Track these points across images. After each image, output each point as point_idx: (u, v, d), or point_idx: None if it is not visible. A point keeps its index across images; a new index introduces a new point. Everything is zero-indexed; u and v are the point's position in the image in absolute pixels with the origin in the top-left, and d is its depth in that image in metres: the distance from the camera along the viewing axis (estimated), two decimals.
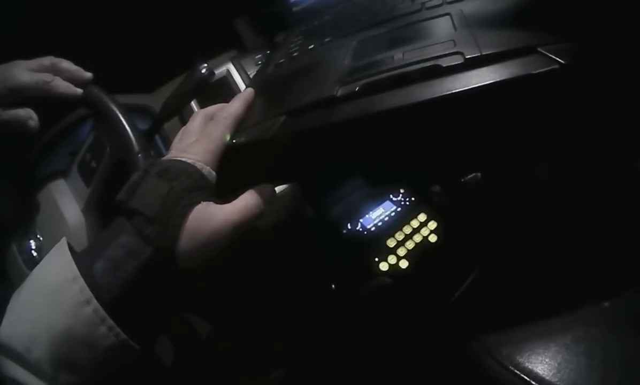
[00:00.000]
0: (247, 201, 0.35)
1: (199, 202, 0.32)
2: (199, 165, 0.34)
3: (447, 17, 0.41)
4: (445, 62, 0.32)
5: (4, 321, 0.29)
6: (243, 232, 0.34)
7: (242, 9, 0.75)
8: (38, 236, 0.59)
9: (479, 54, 0.31)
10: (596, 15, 0.33)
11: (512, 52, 0.31)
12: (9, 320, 0.29)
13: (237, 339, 0.62)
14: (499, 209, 0.55)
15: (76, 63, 0.55)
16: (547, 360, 0.47)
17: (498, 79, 0.29)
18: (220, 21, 0.77)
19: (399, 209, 0.59)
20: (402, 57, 0.35)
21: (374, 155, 0.36)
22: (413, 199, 0.60)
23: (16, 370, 0.27)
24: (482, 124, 0.32)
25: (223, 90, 0.62)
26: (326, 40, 0.48)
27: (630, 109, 0.33)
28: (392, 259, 0.55)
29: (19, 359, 0.27)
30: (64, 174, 0.61)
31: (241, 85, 0.62)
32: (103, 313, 0.28)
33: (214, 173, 0.35)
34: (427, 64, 0.32)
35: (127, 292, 0.29)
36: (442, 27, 0.39)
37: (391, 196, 0.61)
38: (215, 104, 0.42)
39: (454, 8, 0.42)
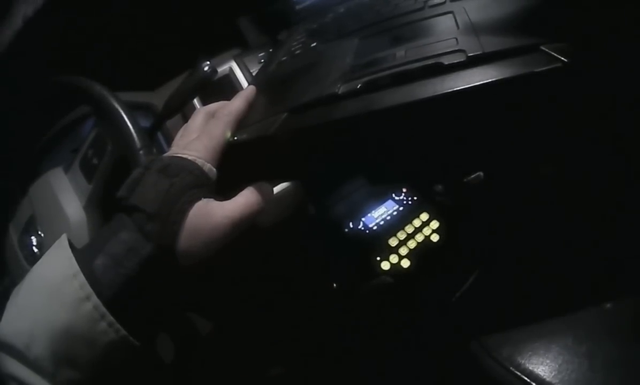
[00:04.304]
0: (247, 198, 0.35)
1: (199, 199, 0.33)
2: (199, 162, 0.34)
3: (450, 15, 0.41)
4: (447, 60, 0.32)
5: (4, 318, 0.29)
6: (243, 230, 0.34)
7: (245, 7, 0.75)
8: (39, 232, 0.59)
9: (481, 52, 0.31)
10: (599, 14, 0.33)
11: (515, 50, 0.31)
12: (9, 317, 0.29)
13: (237, 338, 0.62)
14: (501, 209, 0.55)
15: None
16: (548, 361, 0.46)
17: (500, 77, 0.29)
18: (223, 19, 0.77)
19: (401, 208, 0.59)
20: (404, 54, 0.35)
21: (375, 153, 0.36)
22: (415, 198, 0.60)
23: (16, 367, 0.27)
24: (484, 122, 0.32)
25: (226, 88, 0.62)
26: (329, 38, 0.48)
27: (632, 107, 0.33)
28: (393, 258, 0.55)
29: (19, 355, 0.27)
30: (65, 170, 0.61)
31: (244, 83, 0.62)
32: (103, 309, 0.28)
33: (214, 170, 0.35)
34: (429, 61, 0.32)
35: (127, 289, 0.29)
36: (444, 25, 0.39)
37: (393, 195, 0.61)
38: (217, 101, 0.42)
39: (456, 6, 0.42)
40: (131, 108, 0.50)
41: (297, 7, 0.64)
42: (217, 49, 0.72)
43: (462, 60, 0.31)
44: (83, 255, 0.30)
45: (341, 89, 0.34)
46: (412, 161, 0.38)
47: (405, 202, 0.60)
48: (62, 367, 0.27)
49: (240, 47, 0.71)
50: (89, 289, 0.28)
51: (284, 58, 0.49)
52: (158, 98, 0.66)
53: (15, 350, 0.27)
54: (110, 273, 0.29)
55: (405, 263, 0.55)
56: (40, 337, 0.27)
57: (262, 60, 0.64)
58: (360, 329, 0.57)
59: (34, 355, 0.27)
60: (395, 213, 0.59)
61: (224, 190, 0.35)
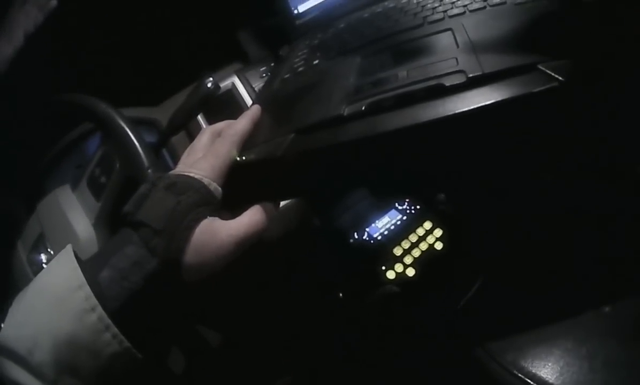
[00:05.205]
0: (250, 218, 0.35)
1: (205, 218, 0.33)
2: (205, 181, 0.34)
3: (449, 32, 0.41)
4: (448, 81, 0.32)
5: (6, 323, 0.29)
6: (248, 248, 0.34)
7: (245, 20, 0.76)
8: (49, 250, 0.60)
9: (480, 73, 0.32)
10: (595, 32, 0.34)
11: (512, 70, 0.31)
12: (12, 322, 0.29)
13: (245, 348, 0.63)
14: (503, 215, 0.56)
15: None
16: (550, 364, 0.48)
17: (499, 99, 0.30)
18: (223, 33, 0.77)
19: (404, 218, 0.60)
20: (406, 75, 0.36)
21: (380, 170, 0.36)
22: (418, 207, 0.61)
23: (18, 373, 0.27)
24: (486, 140, 0.33)
25: (229, 103, 0.62)
26: (331, 55, 0.49)
27: (628, 119, 0.34)
28: (398, 267, 0.56)
29: (21, 361, 0.27)
30: (72, 187, 0.62)
31: (246, 97, 0.62)
32: (108, 321, 0.28)
33: (220, 189, 0.35)
34: (431, 82, 0.33)
35: (132, 302, 0.30)
36: (444, 43, 0.40)
37: (397, 205, 0.61)
38: (221, 116, 0.42)
39: (455, 22, 0.43)
40: (135, 124, 0.51)
41: (297, 22, 0.64)
42: (218, 61, 0.73)
43: (462, 81, 0.32)
44: (88, 268, 0.30)
45: (346, 111, 0.34)
46: (415, 176, 0.39)
47: (408, 211, 0.61)
48: (64, 375, 0.27)
49: (241, 61, 0.72)
50: (94, 301, 0.28)
51: (287, 75, 0.49)
52: (162, 113, 0.67)
53: (18, 355, 0.27)
54: (116, 286, 0.30)
55: (410, 272, 0.55)
56: (44, 344, 0.27)
57: (264, 75, 0.65)
58: (366, 338, 0.58)
59: (36, 361, 0.27)
60: (399, 222, 0.60)
61: (229, 208, 0.36)
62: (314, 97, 0.41)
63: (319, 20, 0.64)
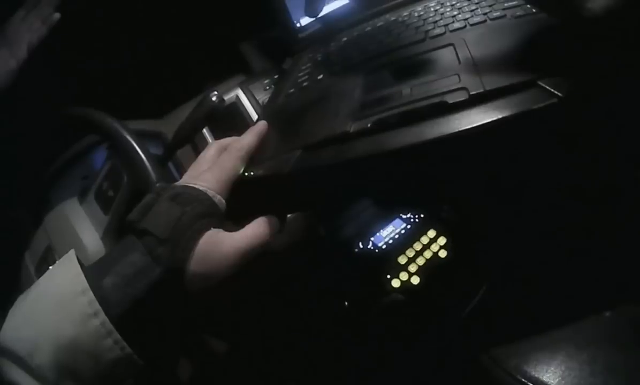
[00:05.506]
0: (254, 230, 0.36)
1: (209, 229, 0.34)
2: (210, 193, 0.35)
3: (451, 47, 0.41)
4: (451, 99, 0.33)
5: (7, 325, 0.29)
6: (251, 259, 0.35)
7: (247, 32, 0.77)
8: (57, 262, 0.60)
9: (482, 90, 0.33)
10: (595, 47, 0.35)
11: (513, 87, 0.32)
12: (13, 324, 0.29)
13: (251, 356, 0.63)
14: (506, 224, 0.57)
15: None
16: (552, 369, 0.49)
17: (500, 117, 0.30)
18: (226, 45, 0.78)
19: (408, 226, 0.61)
20: (410, 92, 0.37)
21: (386, 186, 0.37)
22: (422, 216, 0.61)
23: (18, 374, 0.27)
24: (488, 155, 0.34)
25: (233, 116, 0.63)
26: (334, 70, 0.49)
27: (628, 131, 0.34)
28: (403, 276, 0.56)
29: (21, 363, 0.27)
30: (80, 200, 0.62)
31: (250, 110, 0.63)
32: (110, 326, 0.29)
33: (224, 202, 0.36)
34: (434, 100, 0.34)
35: (135, 309, 0.30)
36: (446, 59, 0.40)
37: (401, 214, 0.62)
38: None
39: (456, 37, 0.43)
40: (141, 136, 0.51)
41: (300, 35, 0.64)
42: (221, 73, 0.74)
43: (464, 98, 0.33)
44: (92, 273, 0.31)
45: (352, 128, 0.35)
46: (420, 189, 0.40)
47: (412, 220, 0.61)
48: (65, 378, 0.28)
49: (244, 72, 0.73)
50: (97, 306, 0.29)
51: (292, 90, 0.50)
52: (167, 126, 0.67)
53: (18, 357, 0.27)
54: (119, 293, 0.30)
55: (415, 280, 0.56)
56: (45, 346, 0.27)
57: (267, 88, 0.65)
58: (372, 345, 0.59)
59: (36, 363, 0.27)
60: (403, 231, 0.60)
61: (234, 220, 0.37)
62: (319, 114, 0.41)
63: (321, 33, 0.64)
